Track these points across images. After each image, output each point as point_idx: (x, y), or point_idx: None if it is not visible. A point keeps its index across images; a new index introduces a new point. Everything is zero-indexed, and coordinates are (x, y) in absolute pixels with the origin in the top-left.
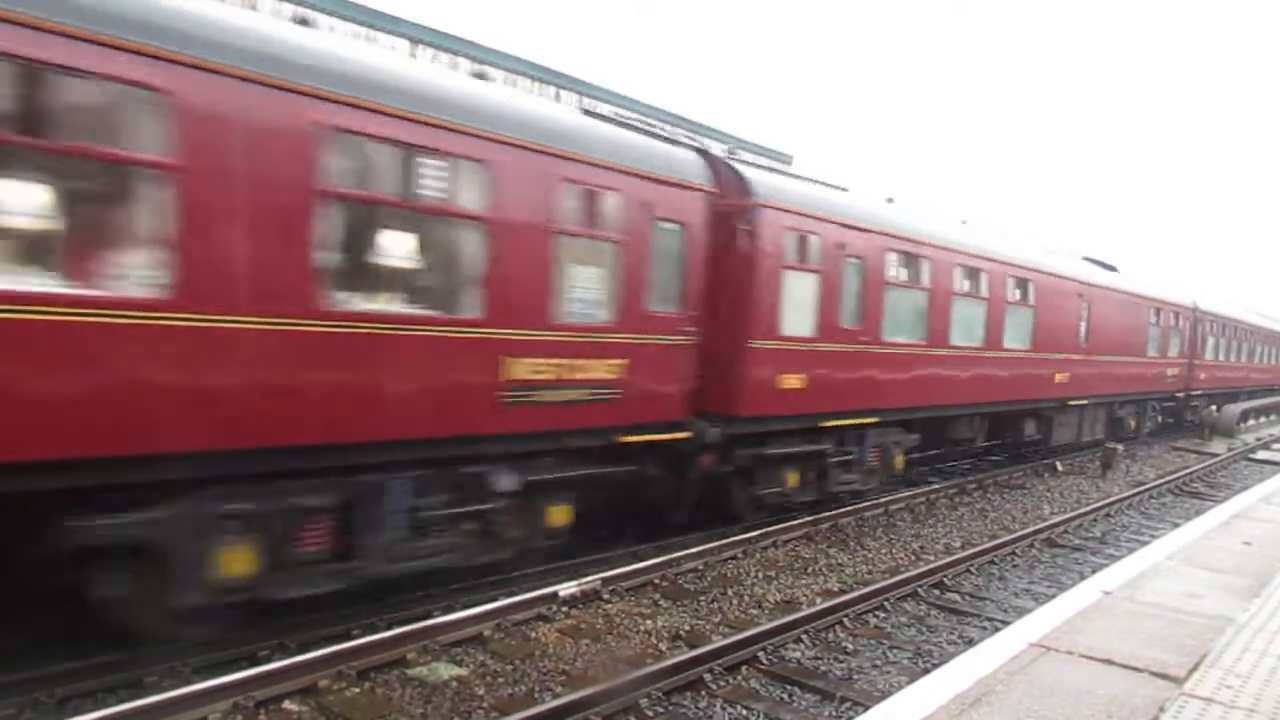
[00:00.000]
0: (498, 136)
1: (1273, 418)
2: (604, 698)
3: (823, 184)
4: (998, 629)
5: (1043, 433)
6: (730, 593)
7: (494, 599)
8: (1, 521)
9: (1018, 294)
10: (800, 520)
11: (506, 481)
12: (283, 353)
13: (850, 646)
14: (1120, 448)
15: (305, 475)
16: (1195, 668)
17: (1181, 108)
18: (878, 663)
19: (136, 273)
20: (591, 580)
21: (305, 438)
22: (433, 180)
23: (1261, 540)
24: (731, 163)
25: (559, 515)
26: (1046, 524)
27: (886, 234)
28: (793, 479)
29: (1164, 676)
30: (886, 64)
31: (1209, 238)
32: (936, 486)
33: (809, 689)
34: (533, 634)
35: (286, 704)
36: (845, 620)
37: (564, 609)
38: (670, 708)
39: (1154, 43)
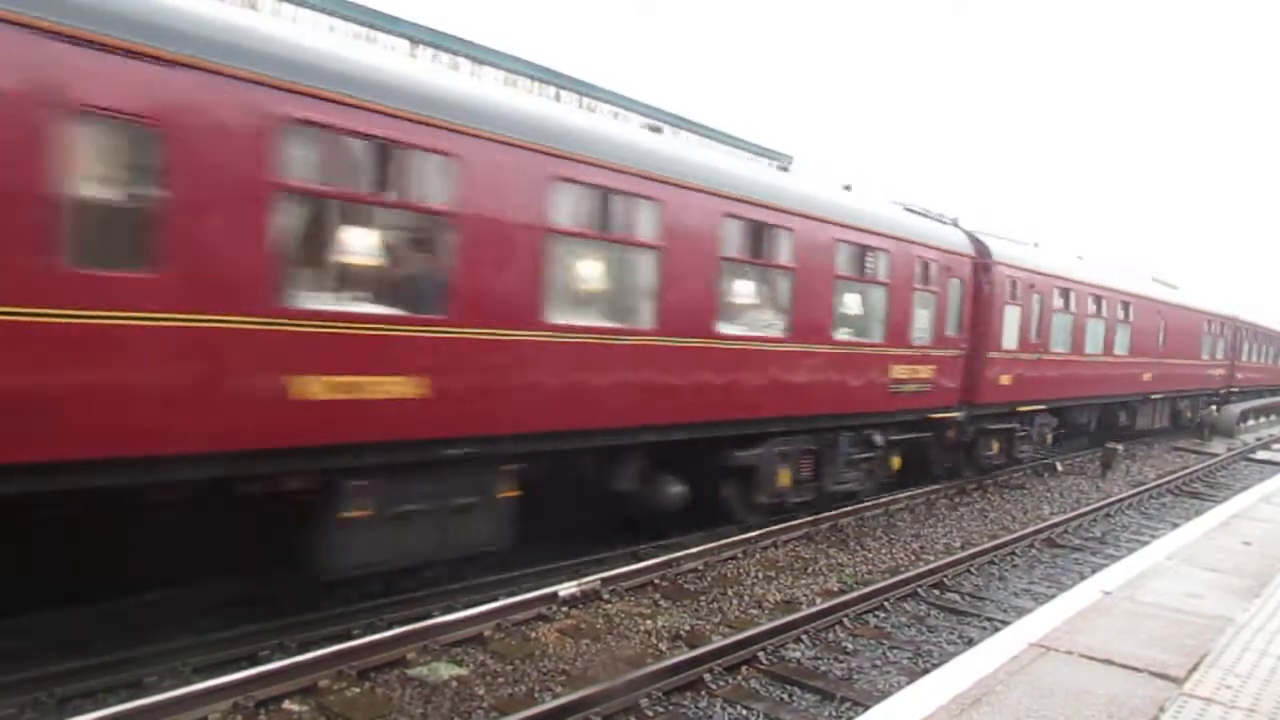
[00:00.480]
0: (892, 235)
1: (1272, 418)
2: (604, 698)
3: (1019, 243)
4: (998, 629)
5: (1129, 420)
6: (730, 593)
7: (494, 599)
8: (698, 453)
9: (1122, 313)
10: (800, 520)
11: (879, 439)
12: (812, 366)
13: (850, 646)
14: (1120, 448)
15: (803, 433)
16: (1195, 668)
17: (1185, 107)
18: (878, 663)
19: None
20: (591, 580)
21: (805, 410)
22: (857, 261)
23: (1261, 540)
24: (978, 235)
25: (895, 462)
26: (1046, 524)
27: (1054, 276)
28: (996, 447)
29: (1164, 677)
30: (887, 64)
31: (1213, 237)
32: (936, 487)
33: (809, 689)
34: (533, 634)
35: (287, 704)
36: (845, 620)
37: (564, 609)
38: (670, 708)
39: (1161, 42)
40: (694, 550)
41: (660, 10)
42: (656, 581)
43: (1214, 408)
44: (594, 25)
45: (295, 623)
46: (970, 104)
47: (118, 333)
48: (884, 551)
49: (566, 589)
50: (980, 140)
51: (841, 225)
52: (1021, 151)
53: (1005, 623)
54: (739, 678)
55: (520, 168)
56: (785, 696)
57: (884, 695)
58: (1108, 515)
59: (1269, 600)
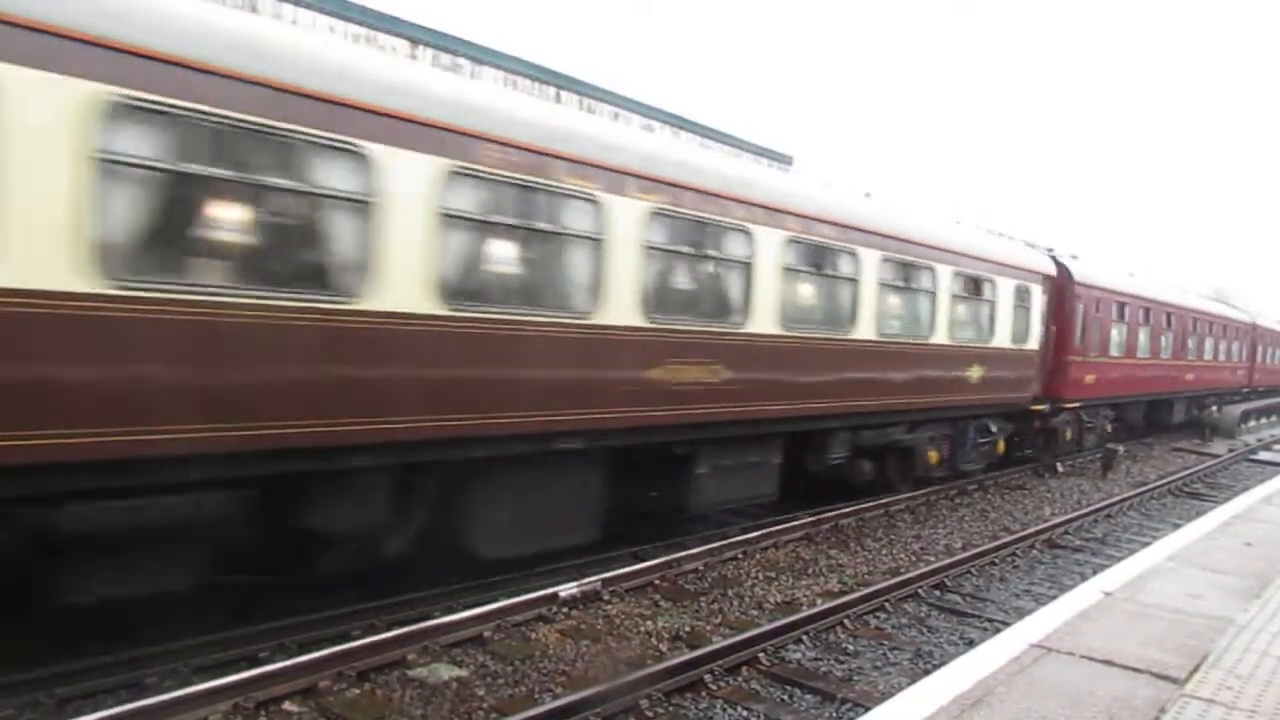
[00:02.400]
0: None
1: (1273, 418)
2: (604, 698)
3: (1075, 258)
4: (998, 630)
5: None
6: (731, 594)
7: (494, 599)
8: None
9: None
10: (801, 521)
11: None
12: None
13: (851, 647)
14: (1121, 448)
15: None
16: (1196, 669)
17: (1191, 108)
18: (878, 664)
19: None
20: (592, 581)
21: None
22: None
23: (1262, 541)
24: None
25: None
26: (1047, 525)
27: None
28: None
29: (1165, 678)
30: (889, 65)
31: (1227, 238)
32: (937, 487)
33: (809, 690)
34: (533, 635)
35: (286, 705)
36: (846, 621)
37: (564, 610)
38: (670, 708)
39: (1166, 43)
40: (694, 551)
41: (659, 10)
42: (657, 582)
43: (1214, 408)
44: (594, 25)
45: (295, 624)
46: (973, 104)
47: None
48: (884, 552)
49: (567, 590)
50: (981, 141)
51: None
52: (1023, 152)
53: (1006, 624)
54: (739, 679)
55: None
56: (786, 697)
57: (885, 696)
58: (1109, 516)
59: (1270, 601)
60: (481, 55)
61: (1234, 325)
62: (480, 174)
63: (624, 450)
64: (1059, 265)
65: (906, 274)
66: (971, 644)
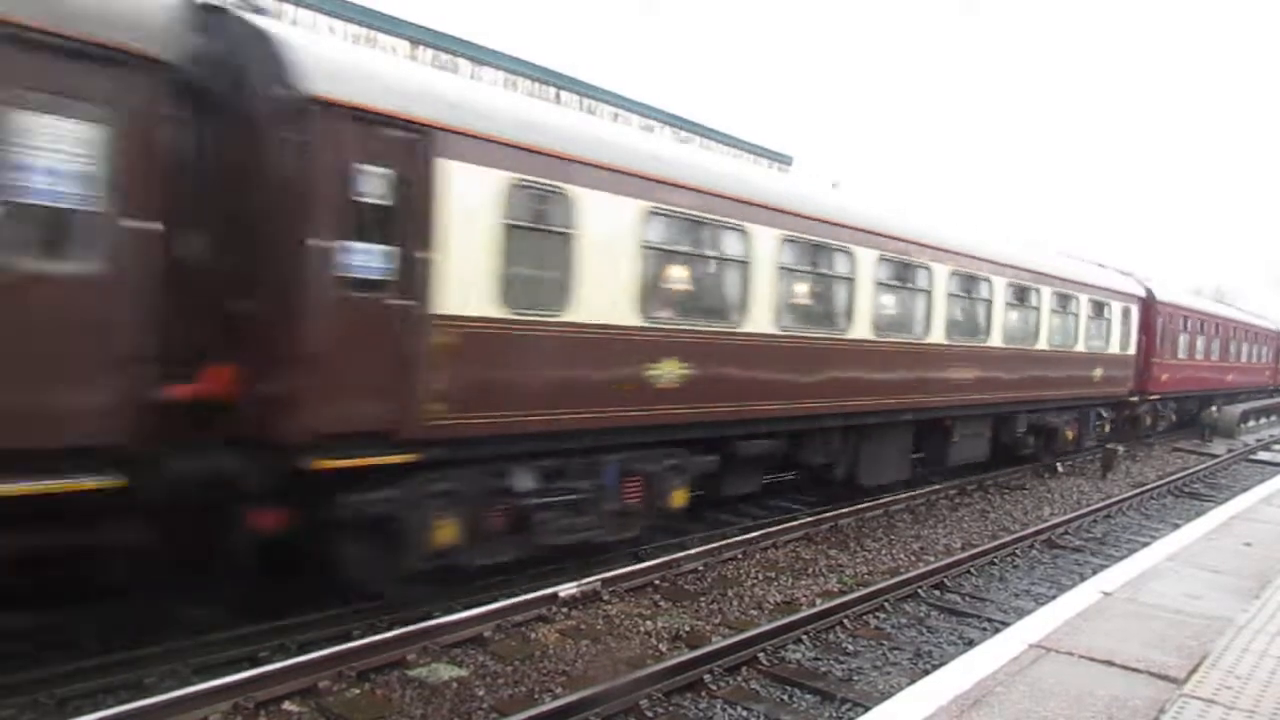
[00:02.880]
0: (1107, 287)
1: (1273, 419)
2: (604, 698)
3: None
4: (998, 630)
5: (1215, 407)
6: (730, 594)
7: (494, 599)
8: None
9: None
10: (800, 521)
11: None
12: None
13: (850, 647)
14: (1121, 448)
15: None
16: (1196, 669)
17: (1197, 109)
18: (878, 664)
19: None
20: (591, 581)
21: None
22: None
23: (1262, 541)
24: (1143, 280)
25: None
26: (1047, 525)
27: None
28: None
29: (1164, 678)
30: (891, 65)
31: (1227, 238)
32: (937, 487)
33: (809, 690)
34: (533, 635)
35: (286, 705)
36: (845, 621)
37: (564, 610)
38: (670, 708)
39: (1171, 44)
40: (694, 551)
41: (663, 10)
42: (657, 582)
43: (1214, 408)
44: (595, 25)
45: (295, 624)
46: (975, 104)
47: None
48: (884, 552)
49: (566, 590)
50: (983, 140)
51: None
52: (1025, 151)
53: (1005, 624)
54: (739, 679)
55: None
56: (785, 697)
57: (884, 696)
58: (1108, 516)
59: (1269, 601)
60: (481, 55)
61: (1262, 332)
62: (800, 239)
63: (921, 422)
64: (1146, 288)
65: (1064, 302)
66: (971, 644)
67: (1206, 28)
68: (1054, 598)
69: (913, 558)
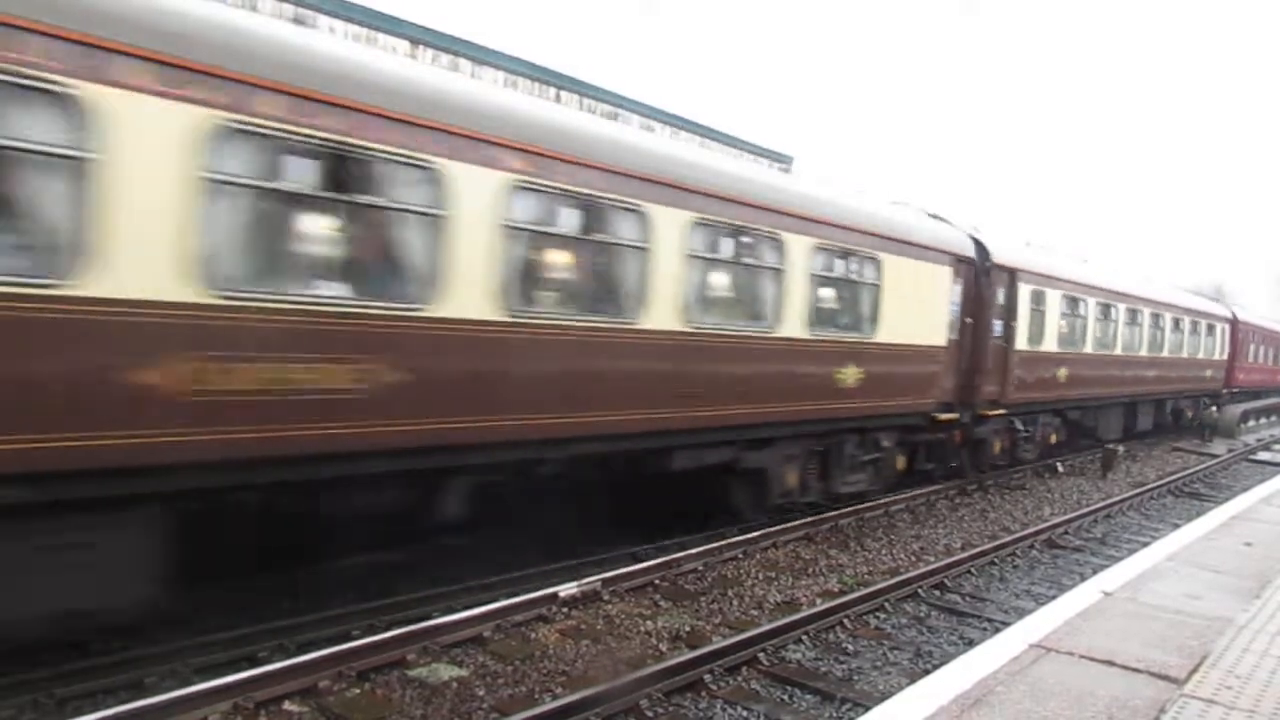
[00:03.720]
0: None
1: (1273, 419)
2: (604, 698)
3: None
4: (998, 630)
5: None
6: (730, 593)
7: (494, 599)
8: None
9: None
10: (800, 521)
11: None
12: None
13: (850, 647)
14: (1120, 449)
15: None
16: (1196, 669)
17: (1197, 108)
18: (878, 664)
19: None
20: (592, 581)
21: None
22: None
23: (1262, 541)
24: (1224, 301)
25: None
26: (1047, 525)
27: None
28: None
29: (1165, 678)
30: (891, 65)
31: (1227, 238)
32: (937, 487)
33: (809, 690)
34: (533, 635)
35: (286, 705)
36: (845, 621)
37: (564, 610)
38: (670, 708)
39: (1171, 44)
40: (694, 551)
41: (663, 10)
42: (657, 582)
43: (1214, 408)
44: (595, 25)
45: (295, 624)
46: (975, 104)
47: None
48: (884, 552)
49: (567, 590)
50: (983, 140)
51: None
52: (1026, 152)
53: (1006, 623)
54: (739, 678)
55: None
56: (786, 697)
57: (885, 696)
58: (1108, 516)
59: (1270, 601)
60: (481, 55)
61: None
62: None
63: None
64: (1231, 311)
65: (1157, 320)
66: (971, 644)
67: (1206, 27)
68: (1054, 598)
69: (913, 558)
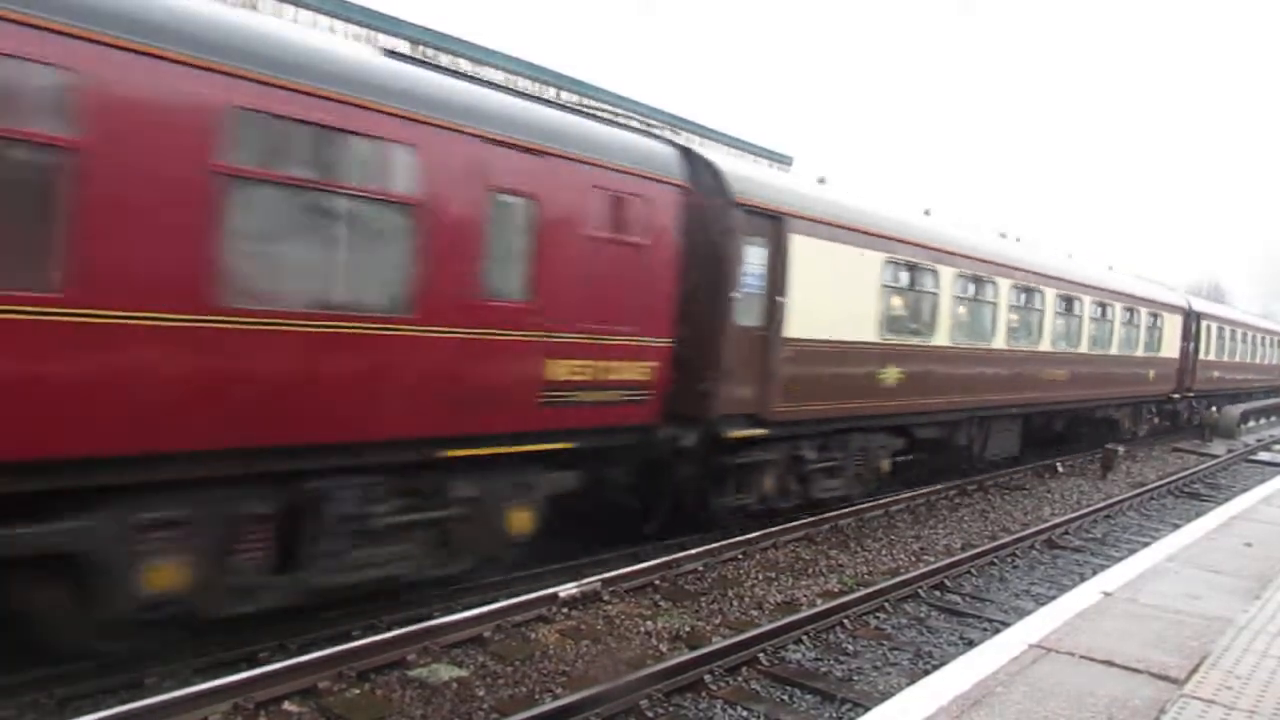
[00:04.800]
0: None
1: (1273, 419)
2: (604, 699)
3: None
4: (998, 630)
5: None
6: (731, 594)
7: (494, 600)
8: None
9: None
10: (800, 521)
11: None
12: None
13: (851, 648)
14: (1121, 449)
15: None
16: (1196, 669)
17: (1192, 107)
18: (878, 664)
19: None
20: (592, 581)
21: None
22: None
23: (1262, 541)
24: None
25: None
26: (1047, 525)
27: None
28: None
29: (1165, 678)
30: (890, 65)
31: (1226, 237)
32: (937, 487)
33: (809, 690)
34: (533, 635)
35: (287, 705)
36: (846, 621)
37: (564, 610)
38: (671, 709)
39: (1170, 44)
40: (694, 551)
41: (661, 10)
42: (657, 583)
43: (1214, 409)
44: (594, 25)
45: (295, 624)
46: (974, 104)
47: None
48: (884, 552)
49: (567, 590)
50: (982, 139)
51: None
52: (1023, 151)
53: (1006, 624)
54: (739, 679)
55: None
56: (786, 698)
57: (884, 696)
58: (1108, 516)
59: (1270, 601)
60: (481, 55)
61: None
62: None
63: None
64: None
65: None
66: (971, 644)
67: (1203, 28)
68: (1054, 598)
69: (913, 558)
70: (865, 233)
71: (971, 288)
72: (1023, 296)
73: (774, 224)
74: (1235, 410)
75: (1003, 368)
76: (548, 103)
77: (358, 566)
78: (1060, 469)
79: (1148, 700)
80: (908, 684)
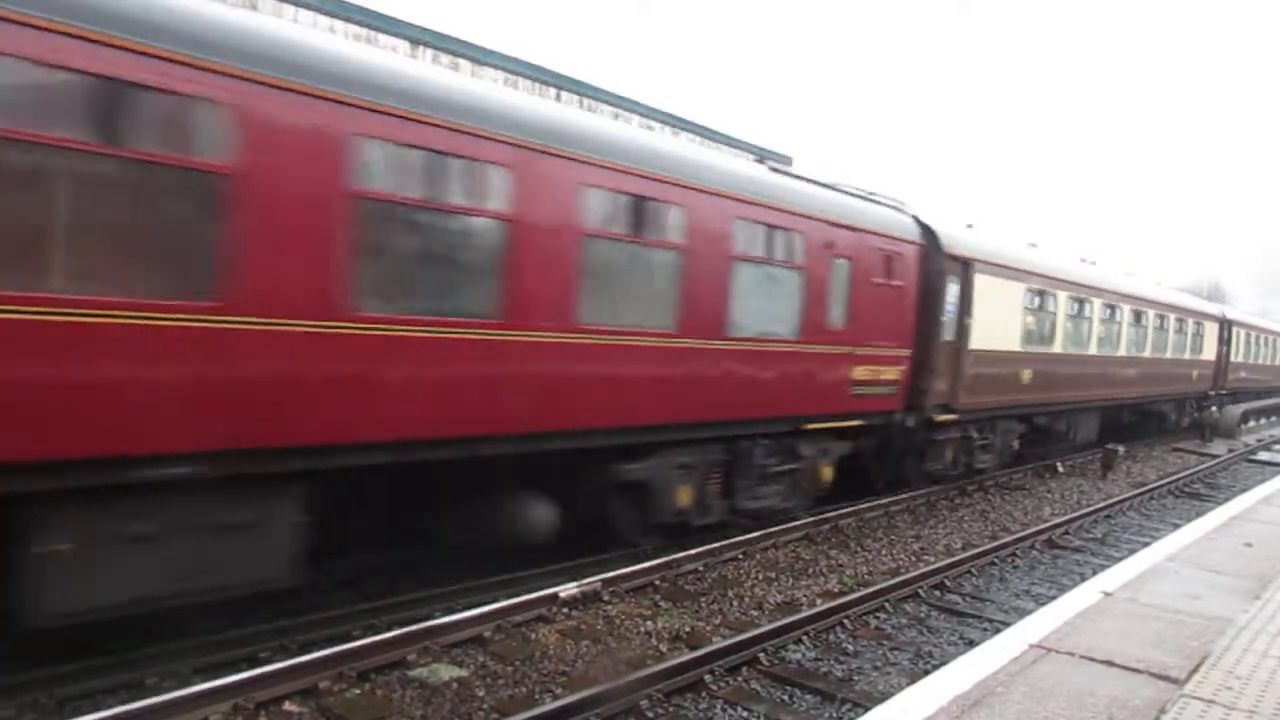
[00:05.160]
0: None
1: (1274, 419)
2: (604, 699)
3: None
4: (998, 630)
5: None
6: (731, 594)
7: (494, 600)
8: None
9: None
10: (801, 521)
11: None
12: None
13: (851, 648)
14: (1121, 449)
15: None
16: (1196, 669)
17: (1189, 106)
18: (878, 664)
19: None
20: (592, 581)
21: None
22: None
23: (1262, 541)
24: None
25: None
26: (1047, 525)
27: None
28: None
29: (1165, 678)
30: (889, 65)
31: (1224, 236)
32: (937, 488)
33: (810, 690)
34: (533, 635)
35: (287, 705)
36: (846, 621)
37: (564, 610)
38: (671, 709)
39: (1169, 43)
40: (694, 551)
41: (659, 10)
42: (657, 583)
43: (1215, 409)
44: (593, 25)
45: (295, 624)
46: (972, 103)
47: None
48: (884, 552)
49: (567, 590)
50: (980, 139)
51: None
52: (1020, 150)
53: (1006, 624)
54: (740, 679)
55: None
56: (786, 698)
57: (885, 696)
58: (1108, 516)
59: (1270, 601)
60: (481, 55)
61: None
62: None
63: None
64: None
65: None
66: (971, 644)
67: (1202, 27)
68: (1054, 598)
69: (913, 558)
70: (1013, 269)
71: (1076, 306)
72: (1107, 311)
73: (965, 267)
74: (1236, 410)
75: (1093, 369)
76: (848, 192)
77: (756, 498)
78: (1060, 469)
79: (1148, 700)
80: (908, 684)
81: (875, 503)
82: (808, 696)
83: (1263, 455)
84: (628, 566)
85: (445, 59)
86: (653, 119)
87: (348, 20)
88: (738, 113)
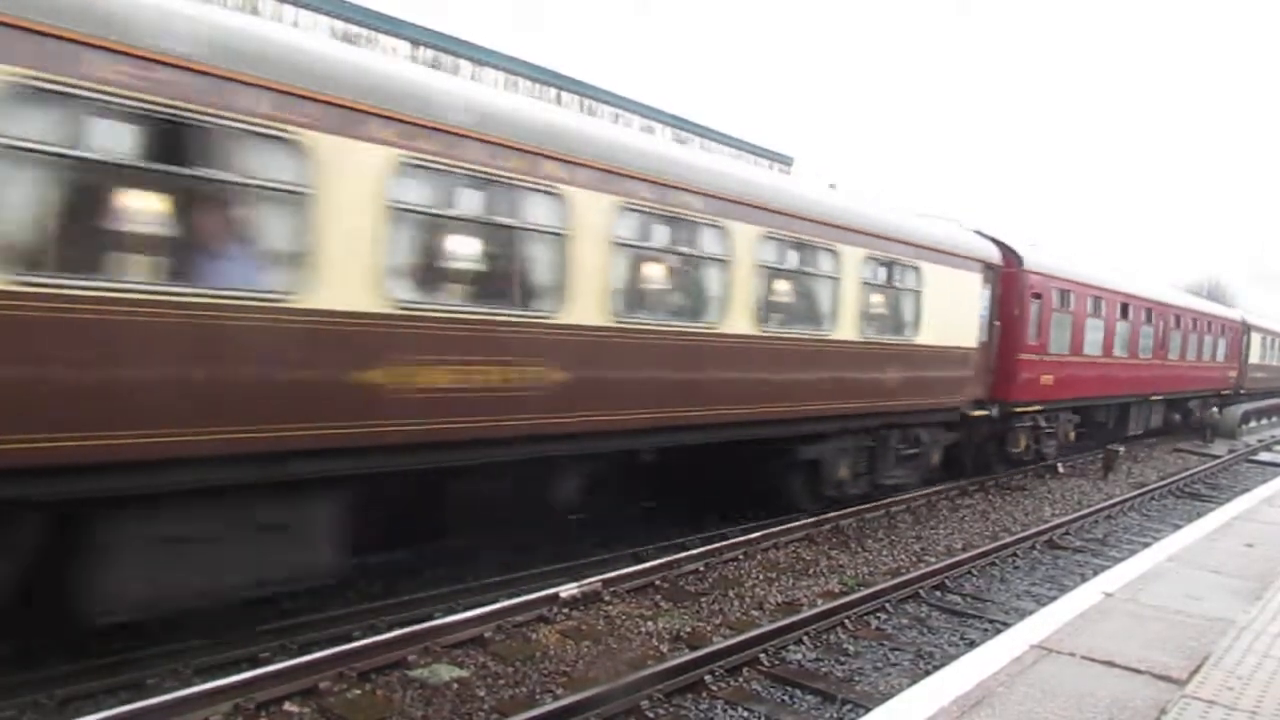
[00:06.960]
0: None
1: (1275, 419)
2: (605, 699)
3: None
4: (999, 631)
5: None
6: (731, 594)
7: (495, 600)
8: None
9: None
10: (801, 522)
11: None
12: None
13: (851, 648)
14: (1121, 449)
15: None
16: (1197, 670)
17: (1188, 105)
18: (879, 664)
19: None
20: (592, 581)
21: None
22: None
23: (1263, 542)
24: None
25: None
26: (1048, 525)
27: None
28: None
29: (1166, 678)
30: (889, 65)
31: (1222, 236)
32: (938, 488)
33: (810, 690)
34: (534, 635)
35: (287, 705)
36: (846, 622)
37: (565, 610)
38: (671, 709)
39: (1169, 43)
40: (695, 552)
41: (658, 10)
42: (657, 583)
43: (1215, 409)
44: (594, 25)
45: (296, 624)
46: (972, 103)
47: None
48: (885, 553)
49: (567, 590)
50: (980, 139)
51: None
52: (1024, 151)
53: (1007, 624)
54: (740, 679)
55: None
56: (786, 698)
57: (885, 697)
58: (1109, 517)
59: (1271, 602)
60: (481, 56)
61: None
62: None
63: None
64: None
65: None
66: (972, 645)
67: (1201, 27)
68: (1055, 598)
69: (914, 558)
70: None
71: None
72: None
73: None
74: (1236, 410)
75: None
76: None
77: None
78: (1061, 469)
79: (1149, 701)
80: (909, 684)
81: (876, 503)
82: (808, 697)
83: (1264, 456)
84: (628, 567)
85: (446, 60)
86: (653, 120)
87: (348, 20)
88: (739, 113)
